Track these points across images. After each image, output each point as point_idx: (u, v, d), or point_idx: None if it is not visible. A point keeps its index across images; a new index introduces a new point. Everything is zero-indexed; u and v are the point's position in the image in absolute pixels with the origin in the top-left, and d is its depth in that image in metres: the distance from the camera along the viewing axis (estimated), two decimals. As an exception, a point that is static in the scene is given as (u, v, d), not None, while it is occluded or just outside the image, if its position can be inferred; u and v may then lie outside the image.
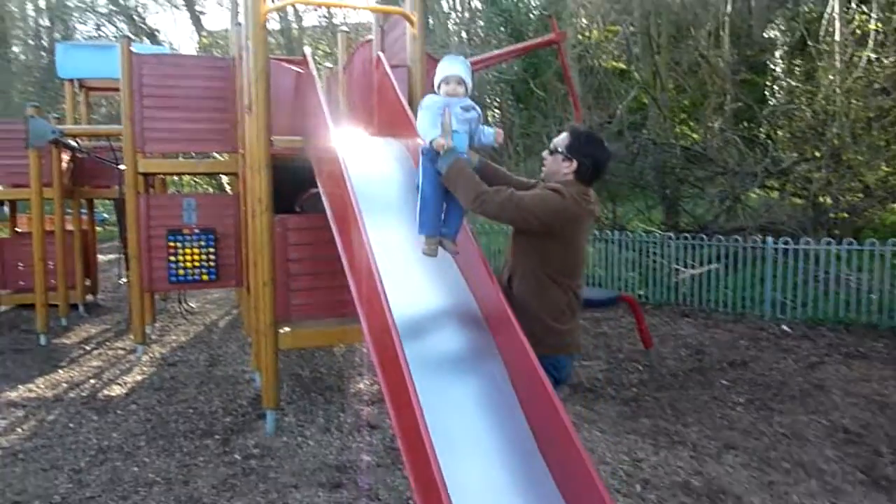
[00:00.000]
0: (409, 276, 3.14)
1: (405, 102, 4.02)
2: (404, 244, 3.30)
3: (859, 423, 4.81)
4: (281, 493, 3.87)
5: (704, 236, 9.01)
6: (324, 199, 3.91)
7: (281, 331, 4.65)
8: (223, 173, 9.14)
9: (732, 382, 5.86)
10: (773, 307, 8.05)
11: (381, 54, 4.60)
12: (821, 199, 10.52)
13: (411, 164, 3.84)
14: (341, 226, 3.56)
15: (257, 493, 3.89)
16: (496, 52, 7.07)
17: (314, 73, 4.12)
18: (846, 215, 10.09)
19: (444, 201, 2.87)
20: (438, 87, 2.93)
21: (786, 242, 8.05)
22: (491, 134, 2.99)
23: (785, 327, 7.57)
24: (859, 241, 8.01)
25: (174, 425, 4.97)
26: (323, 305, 4.82)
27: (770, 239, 8.13)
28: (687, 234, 9.30)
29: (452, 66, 2.93)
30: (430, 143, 2.76)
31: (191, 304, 9.74)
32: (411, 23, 4.59)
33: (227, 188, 17.76)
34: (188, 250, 6.58)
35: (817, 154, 10.74)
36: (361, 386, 5.83)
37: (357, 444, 4.58)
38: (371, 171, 3.74)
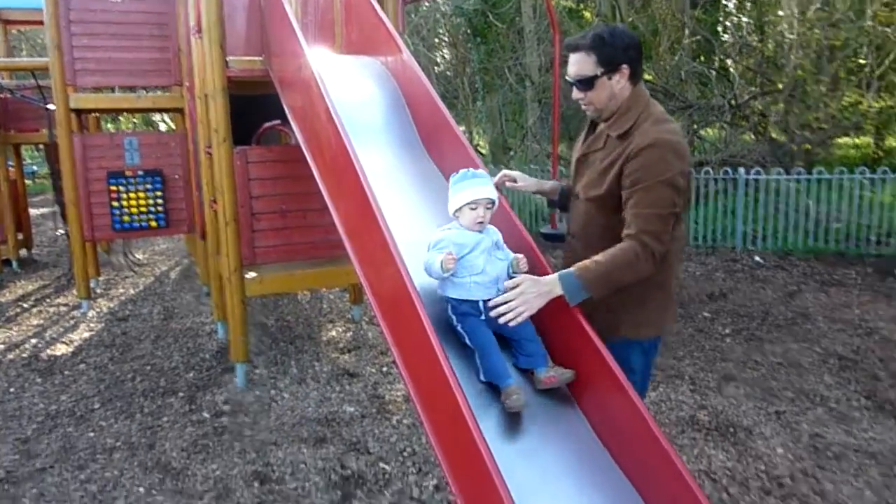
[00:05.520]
0: (412, 211, 2.74)
1: (383, 15, 3.55)
2: (395, 169, 2.92)
3: (850, 349, 4.73)
4: (260, 453, 3.52)
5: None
6: (294, 126, 3.44)
7: (247, 276, 4.22)
8: (165, 110, 8.39)
9: (715, 314, 5.74)
10: (745, 239, 7.99)
11: (348, -38, 4.07)
12: (774, 134, 10.52)
13: (393, 83, 3.40)
14: (317, 154, 3.12)
15: (233, 453, 3.53)
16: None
17: (274, -20, 3.59)
18: (808, 147, 10.09)
19: (511, 336, 2.05)
20: (459, 211, 2.11)
21: (757, 173, 7.94)
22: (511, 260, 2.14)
23: (758, 258, 7.52)
24: (810, 174, 7.99)
25: (131, 384, 4.53)
26: (291, 247, 4.39)
27: (742, 170, 8.00)
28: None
29: (481, 187, 2.09)
30: (441, 265, 2.00)
31: (137, 255, 9.10)
32: (380, -74, 4.06)
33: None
34: (133, 195, 6.00)
35: (779, 86, 10.65)
36: (334, 333, 5.46)
37: (337, 394, 4.25)
38: (348, 90, 3.29)
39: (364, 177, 2.45)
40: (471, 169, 2.19)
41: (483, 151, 15.36)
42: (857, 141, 13.60)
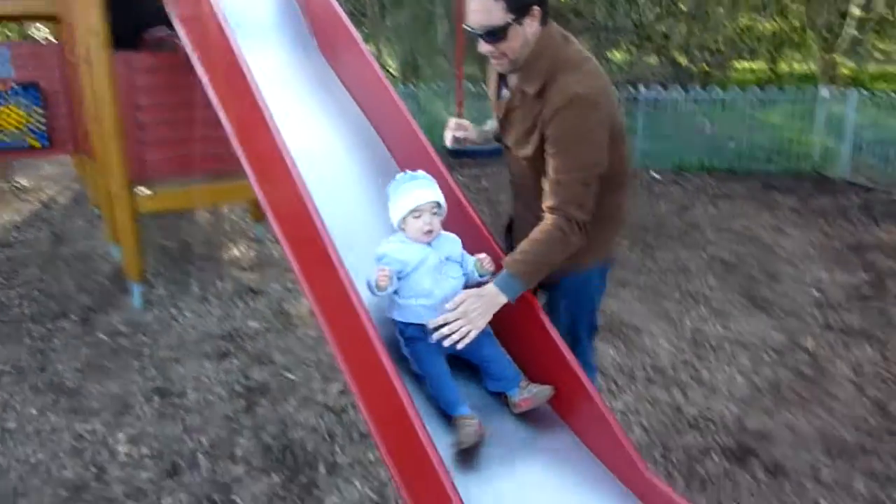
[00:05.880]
0: (306, 114, 2.64)
1: None
2: (287, 70, 2.81)
3: (734, 255, 5.08)
4: (161, 369, 3.46)
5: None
6: (178, 28, 3.22)
7: (140, 192, 4.02)
8: (38, 18, 7.64)
9: (614, 228, 5.99)
10: (643, 156, 8.30)
11: None
12: (677, 56, 10.83)
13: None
14: (204, 56, 2.95)
15: (132, 371, 3.45)
16: None
17: None
18: (707, 69, 10.46)
19: (471, 358, 1.85)
20: (403, 221, 1.85)
21: (657, 91, 8.18)
22: (473, 263, 1.89)
23: (654, 174, 7.84)
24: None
25: (18, 310, 4.29)
26: (186, 160, 4.19)
27: (643, 89, 8.21)
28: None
29: (422, 190, 1.85)
30: (375, 284, 1.77)
31: (20, 180, 8.46)
32: None
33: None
34: (6, 109, 5.49)
35: (683, 7, 10.87)
36: (237, 252, 5.34)
37: (240, 311, 4.20)
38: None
39: (252, 78, 2.34)
40: (408, 171, 1.91)
41: (393, 72, 15.01)
42: (752, 66, 14.21)
